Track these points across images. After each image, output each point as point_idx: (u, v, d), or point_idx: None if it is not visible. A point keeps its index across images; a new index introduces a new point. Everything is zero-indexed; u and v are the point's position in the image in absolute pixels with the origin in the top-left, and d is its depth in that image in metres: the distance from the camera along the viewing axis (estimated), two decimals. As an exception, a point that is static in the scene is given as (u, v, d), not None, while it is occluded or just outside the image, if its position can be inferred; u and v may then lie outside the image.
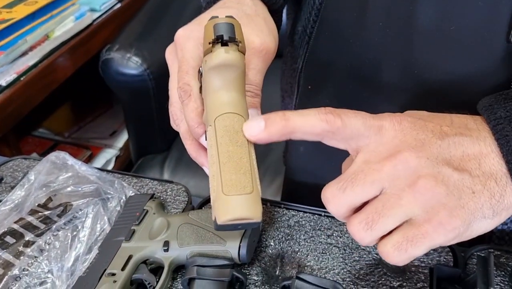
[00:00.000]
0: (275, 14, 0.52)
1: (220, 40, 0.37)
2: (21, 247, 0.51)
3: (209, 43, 0.37)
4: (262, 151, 1.13)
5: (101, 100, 1.65)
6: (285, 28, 0.67)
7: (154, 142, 1.26)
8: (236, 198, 0.34)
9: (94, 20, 1.17)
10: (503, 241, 0.54)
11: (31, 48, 1.01)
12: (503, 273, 0.48)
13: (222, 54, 0.37)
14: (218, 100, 0.38)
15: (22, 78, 0.97)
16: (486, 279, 0.43)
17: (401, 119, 0.37)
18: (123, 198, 0.57)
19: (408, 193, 0.34)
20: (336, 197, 0.36)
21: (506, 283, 0.47)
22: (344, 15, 0.53)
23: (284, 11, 0.59)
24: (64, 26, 1.09)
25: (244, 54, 0.38)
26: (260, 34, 0.44)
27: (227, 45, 0.37)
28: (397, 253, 0.35)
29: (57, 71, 1.07)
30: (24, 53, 0.99)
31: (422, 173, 0.34)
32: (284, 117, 0.36)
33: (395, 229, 0.35)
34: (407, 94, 0.50)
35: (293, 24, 0.64)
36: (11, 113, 0.95)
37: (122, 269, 0.46)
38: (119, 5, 1.26)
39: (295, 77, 0.62)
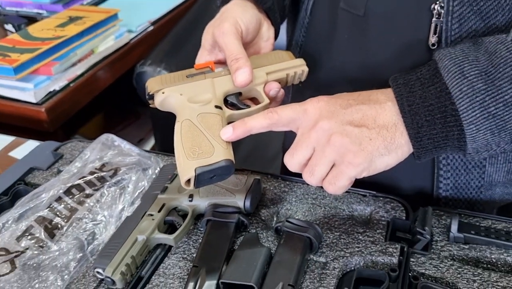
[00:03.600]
0: (269, 11, 0.69)
1: None
2: (83, 197, 0.68)
3: None
4: (264, 141, 1.32)
5: (130, 112, 1.85)
6: (285, 44, 0.86)
7: (177, 147, 1.44)
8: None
9: (131, 39, 1.37)
10: (448, 206, 0.70)
11: (80, 60, 1.20)
12: (442, 226, 0.63)
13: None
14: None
15: (71, 85, 1.16)
16: (424, 222, 0.59)
17: (319, 100, 0.55)
18: (158, 168, 0.74)
19: (327, 147, 0.53)
20: (290, 160, 0.56)
21: (444, 232, 0.62)
22: (322, 30, 0.72)
23: (284, 29, 0.77)
24: (106, 43, 1.28)
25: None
26: (218, 25, 0.62)
27: None
28: (331, 186, 0.54)
29: (98, 80, 1.26)
30: (73, 64, 1.19)
31: (333, 132, 0.53)
32: (243, 122, 0.57)
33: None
34: (361, 86, 0.68)
35: (290, 40, 0.83)
36: (61, 112, 1.13)
37: (158, 212, 0.63)
38: (152, 27, 1.45)
39: None
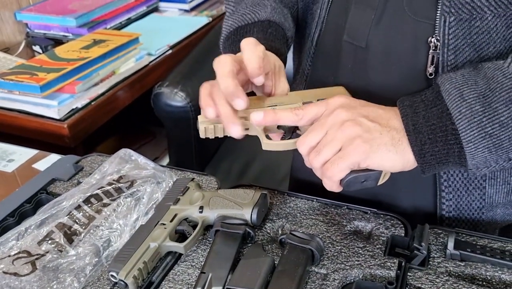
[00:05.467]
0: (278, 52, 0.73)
1: None
2: (100, 206, 0.72)
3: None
4: (274, 163, 1.36)
5: (146, 131, 1.91)
6: (291, 71, 0.91)
7: (190, 165, 1.49)
8: None
9: (150, 62, 1.44)
10: (450, 226, 0.73)
11: (101, 81, 1.27)
12: (440, 244, 0.66)
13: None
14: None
15: (92, 103, 1.22)
16: (421, 238, 0.62)
17: (340, 96, 0.60)
18: (171, 182, 0.78)
19: (339, 131, 0.57)
20: (302, 141, 0.60)
21: (441, 250, 0.65)
22: (327, 60, 0.77)
23: (290, 58, 0.82)
24: (127, 65, 1.35)
25: None
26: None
27: None
28: (332, 167, 0.57)
29: (118, 100, 1.32)
30: (96, 84, 1.26)
31: (347, 119, 0.57)
32: (273, 111, 0.61)
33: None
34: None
35: (297, 69, 0.88)
36: (82, 129, 1.20)
37: (170, 221, 0.67)
38: (170, 51, 1.52)
39: None
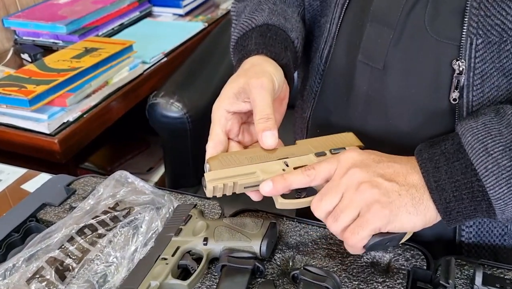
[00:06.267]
0: (285, 67, 0.67)
1: None
2: (95, 237, 0.67)
3: None
4: None
5: (140, 141, 1.85)
6: (296, 86, 0.85)
7: (187, 177, 1.43)
8: None
9: (144, 71, 1.38)
10: (471, 253, 0.68)
11: (94, 92, 1.21)
12: (465, 277, 0.61)
13: None
14: None
15: (85, 116, 1.16)
16: (447, 275, 0.57)
17: (352, 150, 0.56)
18: (171, 207, 0.73)
19: (355, 195, 0.52)
20: (317, 206, 0.56)
21: (467, 284, 0.60)
22: (339, 80, 0.72)
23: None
24: (120, 74, 1.29)
25: None
26: (256, 76, 0.60)
27: None
28: (353, 236, 0.53)
29: (112, 111, 1.26)
30: (88, 96, 1.19)
31: (363, 180, 0.53)
32: (283, 178, 0.56)
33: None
34: (382, 137, 0.67)
35: (303, 82, 0.82)
36: (74, 143, 1.13)
37: (172, 255, 0.62)
38: (165, 59, 1.47)
39: (305, 124, 0.80)
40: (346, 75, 0.69)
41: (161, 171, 1.71)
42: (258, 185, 0.58)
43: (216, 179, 0.57)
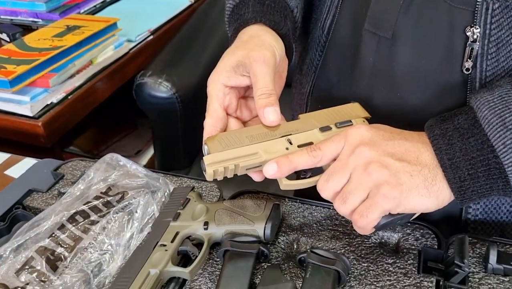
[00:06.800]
0: (285, 38, 0.63)
1: None
2: (88, 224, 0.63)
3: None
4: None
5: (127, 122, 1.80)
6: (294, 61, 0.81)
7: (177, 159, 1.39)
8: None
9: (130, 49, 1.32)
10: (477, 230, 0.66)
11: (78, 72, 1.16)
12: (477, 255, 0.59)
13: None
14: None
15: (69, 97, 1.11)
16: (462, 254, 0.55)
17: (359, 126, 0.52)
18: (167, 191, 0.69)
19: (364, 175, 0.49)
20: (323, 186, 0.52)
21: (480, 263, 0.58)
22: (343, 52, 0.67)
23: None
24: (105, 53, 1.24)
25: None
26: (257, 48, 0.56)
27: None
28: (362, 219, 0.50)
29: (97, 92, 1.21)
30: (72, 76, 1.14)
31: (372, 160, 0.49)
32: (288, 159, 0.53)
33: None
34: (389, 112, 0.63)
35: (301, 56, 0.78)
36: (59, 126, 1.08)
37: (171, 242, 0.58)
38: (151, 36, 1.41)
39: (304, 99, 0.76)
40: (351, 47, 0.65)
41: (150, 153, 1.66)
42: (261, 166, 0.55)
43: (216, 162, 0.53)
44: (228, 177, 0.55)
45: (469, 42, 0.56)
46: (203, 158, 0.54)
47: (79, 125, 1.55)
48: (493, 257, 0.56)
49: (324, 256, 0.56)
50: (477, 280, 0.55)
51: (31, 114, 1.04)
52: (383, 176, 0.49)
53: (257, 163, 0.54)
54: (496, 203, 0.66)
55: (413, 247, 0.60)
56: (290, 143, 0.56)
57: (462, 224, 0.68)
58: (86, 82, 1.17)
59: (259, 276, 0.57)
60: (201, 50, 1.38)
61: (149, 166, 1.61)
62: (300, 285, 0.55)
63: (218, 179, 0.54)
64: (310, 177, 0.56)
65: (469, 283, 0.55)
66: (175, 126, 1.31)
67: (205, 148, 0.54)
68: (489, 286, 0.55)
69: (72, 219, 0.63)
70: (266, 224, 0.59)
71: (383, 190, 0.49)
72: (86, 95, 1.16)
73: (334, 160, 0.53)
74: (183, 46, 1.38)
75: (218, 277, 0.56)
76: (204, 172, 0.54)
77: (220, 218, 0.60)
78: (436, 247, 0.60)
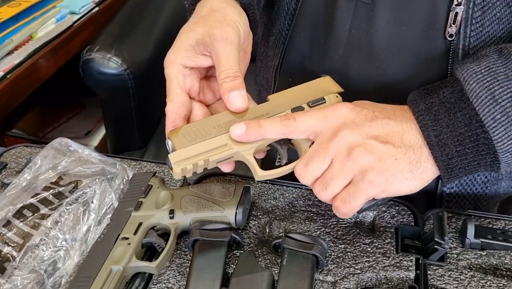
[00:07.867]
0: (248, 8, 0.57)
1: None
2: (38, 219, 0.56)
3: None
4: None
5: (75, 102, 1.69)
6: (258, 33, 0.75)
7: (132, 140, 1.31)
8: None
9: (74, 22, 1.22)
10: (451, 203, 0.65)
11: (16, 48, 1.05)
12: (454, 230, 0.58)
13: None
14: None
15: (8, 76, 1.01)
16: (441, 231, 0.53)
17: (342, 106, 0.49)
18: (126, 177, 0.63)
19: (347, 161, 0.46)
20: (302, 171, 0.48)
21: (456, 238, 0.57)
22: (316, 19, 0.63)
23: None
24: (46, 27, 1.13)
25: None
26: (218, 25, 0.51)
27: None
28: (344, 205, 0.47)
29: (40, 70, 1.11)
30: (10, 52, 1.04)
31: (355, 144, 0.46)
32: (258, 123, 0.48)
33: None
34: (367, 84, 0.60)
35: (267, 27, 0.72)
36: (-2, 108, 0.99)
37: (134, 234, 0.53)
38: (97, 8, 1.31)
39: (271, 74, 0.71)
40: (324, 13, 0.61)
41: (100, 134, 1.57)
42: (232, 157, 0.50)
43: (184, 160, 0.48)
44: (198, 172, 0.50)
45: (453, 6, 0.53)
46: (168, 155, 0.48)
47: (22, 107, 1.43)
48: (470, 232, 0.55)
49: (300, 240, 0.52)
50: (455, 255, 0.54)
51: (-36, 96, 0.93)
52: (368, 162, 0.46)
53: (227, 155, 0.50)
54: (473, 175, 0.65)
55: (390, 225, 0.58)
56: None
57: (437, 197, 0.67)
58: (27, 59, 1.06)
59: (233, 265, 0.53)
60: (152, 21, 1.30)
61: (101, 147, 1.52)
62: (277, 272, 0.51)
63: (187, 176, 0.49)
64: (286, 164, 0.52)
65: (448, 260, 0.54)
66: (128, 105, 1.23)
67: (169, 144, 0.49)
68: (467, 261, 0.54)
69: (19, 214, 0.56)
70: (237, 209, 0.55)
71: (369, 176, 0.46)
72: (27, 73, 1.06)
73: (308, 137, 0.50)
74: (132, 17, 1.29)
75: (188, 269, 0.52)
76: (170, 170, 0.49)
77: (186, 205, 0.56)
78: (412, 224, 0.58)
